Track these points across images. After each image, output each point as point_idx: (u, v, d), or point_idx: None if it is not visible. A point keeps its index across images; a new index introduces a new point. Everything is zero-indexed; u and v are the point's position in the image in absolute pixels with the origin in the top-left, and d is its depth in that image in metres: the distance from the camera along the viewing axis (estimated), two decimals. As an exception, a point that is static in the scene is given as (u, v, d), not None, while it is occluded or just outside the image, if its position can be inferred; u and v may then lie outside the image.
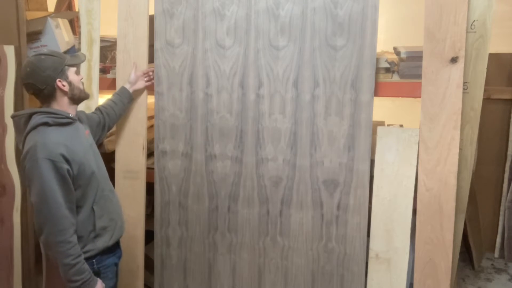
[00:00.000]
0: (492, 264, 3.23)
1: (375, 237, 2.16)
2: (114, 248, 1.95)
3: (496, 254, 3.30)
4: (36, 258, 2.66)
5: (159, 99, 2.35)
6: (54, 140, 1.70)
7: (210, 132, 2.31)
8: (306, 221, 2.25)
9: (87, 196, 1.80)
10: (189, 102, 2.32)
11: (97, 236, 1.83)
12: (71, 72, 1.81)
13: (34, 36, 2.74)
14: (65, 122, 1.78)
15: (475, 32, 2.07)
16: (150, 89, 2.38)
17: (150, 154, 2.53)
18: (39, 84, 1.74)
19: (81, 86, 1.85)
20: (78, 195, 1.76)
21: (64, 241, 1.68)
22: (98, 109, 2.20)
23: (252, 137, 2.26)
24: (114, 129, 2.44)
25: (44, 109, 1.77)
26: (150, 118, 2.48)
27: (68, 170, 1.69)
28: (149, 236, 2.55)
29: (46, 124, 1.73)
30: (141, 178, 2.39)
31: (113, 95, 2.27)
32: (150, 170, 2.44)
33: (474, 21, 2.06)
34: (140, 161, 2.38)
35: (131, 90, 2.29)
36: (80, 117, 1.95)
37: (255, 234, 2.32)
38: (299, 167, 2.22)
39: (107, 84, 2.53)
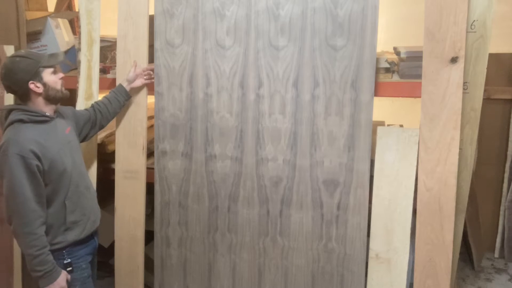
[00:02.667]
0: (492, 264, 3.23)
1: (375, 237, 2.16)
2: (87, 240, 2.00)
3: (496, 254, 3.30)
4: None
5: (159, 99, 2.35)
6: (26, 137, 1.77)
7: (210, 132, 2.31)
8: (306, 221, 2.25)
9: (58, 191, 1.86)
10: (189, 102, 2.32)
11: (67, 229, 1.90)
12: (46, 73, 1.83)
13: (34, 36, 2.75)
14: (40, 120, 1.83)
15: (475, 32, 2.07)
16: (150, 89, 2.38)
17: (150, 154, 2.53)
18: (13, 86, 1.82)
19: (57, 86, 1.86)
20: (49, 190, 1.83)
21: (30, 232, 1.76)
22: (92, 106, 2.22)
23: (252, 137, 2.26)
24: (114, 129, 2.45)
25: (22, 106, 1.84)
26: (150, 118, 2.48)
27: (37, 166, 1.76)
28: (149, 236, 2.55)
29: (21, 121, 1.81)
30: (141, 178, 2.39)
31: (110, 92, 2.28)
32: (150, 170, 2.44)
33: (474, 21, 2.06)
34: (140, 161, 2.38)
35: (128, 88, 2.29)
36: (64, 114, 2.01)
37: (255, 234, 2.32)
38: (299, 167, 2.22)
39: (107, 84, 2.53)
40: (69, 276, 1.89)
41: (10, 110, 1.84)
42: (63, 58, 1.91)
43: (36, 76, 1.80)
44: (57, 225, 1.88)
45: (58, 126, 1.92)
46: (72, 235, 1.91)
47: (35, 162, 1.74)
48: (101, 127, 2.24)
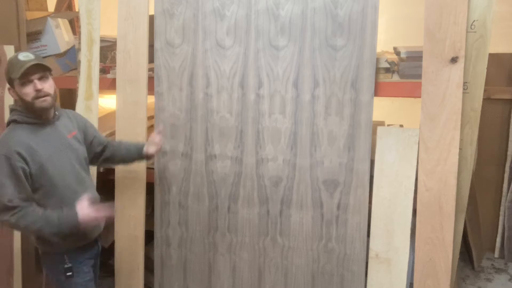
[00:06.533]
0: (492, 264, 3.23)
1: (375, 237, 2.16)
2: (89, 245, 1.98)
3: (496, 254, 3.30)
4: (36, 258, 2.66)
5: (159, 99, 2.35)
6: (16, 138, 1.76)
7: (210, 132, 2.31)
8: (306, 221, 2.25)
9: (50, 195, 1.82)
10: (189, 102, 2.32)
11: (67, 235, 1.84)
12: (16, 84, 1.76)
13: (34, 36, 2.75)
14: (33, 121, 1.81)
15: (475, 32, 2.07)
16: (150, 89, 2.38)
17: (150, 154, 2.53)
18: None
19: (27, 98, 1.76)
20: (41, 194, 1.80)
21: (14, 224, 1.73)
22: (111, 142, 2.13)
23: (252, 137, 2.26)
24: (114, 129, 2.45)
25: (19, 107, 1.83)
26: (150, 118, 2.48)
27: (23, 168, 1.73)
28: (149, 236, 2.55)
29: (15, 121, 1.81)
30: (141, 178, 2.39)
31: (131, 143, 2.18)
32: (150, 170, 2.44)
33: (474, 21, 2.06)
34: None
35: (145, 149, 2.11)
36: (74, 119, 1.98)
37: (255, 234, 2.32)
38: (299, 167, 2.22)
39: (107, 84, 2.53)
40: (86, 201, 1.79)
41: (12, 110, 1.84)
42: (22, 71, 1.72)
43: (11, 83, 1.78)
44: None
45: (59, 129, 1.88)
46: (72, 241, 1.88)
47: (20, 164, 1.72)
48: (105, 160, 2.12)
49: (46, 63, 1.82)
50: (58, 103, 1.98)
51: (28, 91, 1.76)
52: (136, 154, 2.12)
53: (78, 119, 2.02)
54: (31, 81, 1.76)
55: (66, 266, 1.88)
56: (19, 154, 1.72)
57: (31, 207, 1.75)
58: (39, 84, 1.76)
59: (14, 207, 1.71)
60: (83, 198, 1.80)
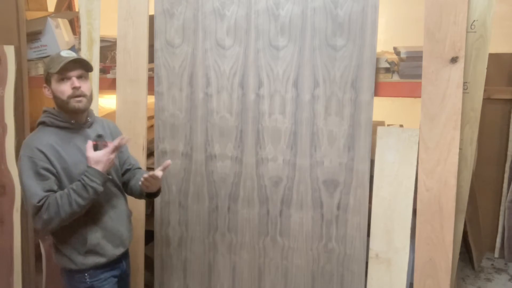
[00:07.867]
0: (492, 264, 3.23)
1: (375, 237, 2.16)
2: (112, 263, 1.85)
3: (496, 254, 3.31)
4: (36, 258, 2.66)
5: (159, 99, 2.35)
6: (42, 140, 1.70)
7: (210, 132, 2.31)
8: (306, 221, 2.25)
9: None
10: (189, 102, 2.32)
11: (88, 252, 1.77)
12: (53, 80, 1.71)
13: (34, 36, 2.74)
14: (62, 125, 1.75)
15: (475, 32, 2.07)
16: (150, 89, 2.38)
17: (150, 154, 2.53)
18: None
19: (62, 97, 1.70)
20: None
21: (49, 219, 1.64)
22: (135, 167, 2.04)
23: (252, 137, 2.26)
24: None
25: (50, 109, 1.78)
26: (150, 118, 2.48)
27: (47, 168, 1.67)
28: (149, 236, 2.55)
29: (44, 123, 1.76)
30: (141, 178, 2.39)
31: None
32: (150, 170, 2.43)
33: (474, 21, 2.06)
34: (140, 161, 2.38)
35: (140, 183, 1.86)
36: (108, 129, 1.91)
37: (255, 234, 2.32)
38: (299, 167, 2.22)
39: (107, 84, 2.53)
40: (89, 149, 1.71)
41: (44, 111, 1.78)
42: (61, 65, 1.67)
43: (47, 80, 1.73)
44: (76, 244, 1.76)
45: (90, 137, 1.79)
46: (93, 259, 1.77)
47: (43, 163, 1.66)
48: (123, 185, 1.99)
49: (88, 62, 1.77)
50: (92, 109, 1.90)
51: (65, 89, 1.70)
52: (139, 187, 1.89)
53: (113, 131, 1.93)
54: (69, 78, 1.70)
55: (86, 285, 1.78)
56: (43, 153, 1.67)
57: (55, 194, 1.66)
58: (77, 82, 1.70)
59: (44, 203, 1.63)
60: (87, 146, 1.71)
